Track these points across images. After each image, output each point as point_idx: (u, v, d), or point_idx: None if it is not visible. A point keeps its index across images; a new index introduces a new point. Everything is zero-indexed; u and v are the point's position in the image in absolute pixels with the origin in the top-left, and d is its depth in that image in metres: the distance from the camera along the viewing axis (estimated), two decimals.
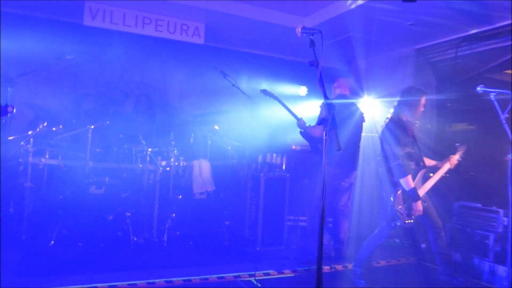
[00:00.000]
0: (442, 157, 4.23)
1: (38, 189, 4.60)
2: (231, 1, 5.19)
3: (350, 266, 4.40)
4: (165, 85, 6.44)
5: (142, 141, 4.89)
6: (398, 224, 3.82)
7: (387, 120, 3.98)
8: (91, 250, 4.33)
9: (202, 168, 5.11)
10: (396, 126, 3.87)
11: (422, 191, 3.93)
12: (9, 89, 4.44)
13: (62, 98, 5.47)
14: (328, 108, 2.33)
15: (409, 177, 3.72)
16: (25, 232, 4.45)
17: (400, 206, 3.80)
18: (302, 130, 4.67)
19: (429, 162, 4.15)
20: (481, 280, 4.35)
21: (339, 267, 4.55)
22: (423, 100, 3.93)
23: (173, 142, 5.04)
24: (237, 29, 5.84)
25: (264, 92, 4.82)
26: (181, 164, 5.12)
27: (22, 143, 4.55)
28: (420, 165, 3.98)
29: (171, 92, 6.46)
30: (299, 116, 4.66)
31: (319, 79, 2.38)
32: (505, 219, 4.29)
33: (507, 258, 3.18)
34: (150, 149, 4.89)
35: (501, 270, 4.19)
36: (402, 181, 3.75)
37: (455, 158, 4.13)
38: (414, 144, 3.94)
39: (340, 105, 4.53)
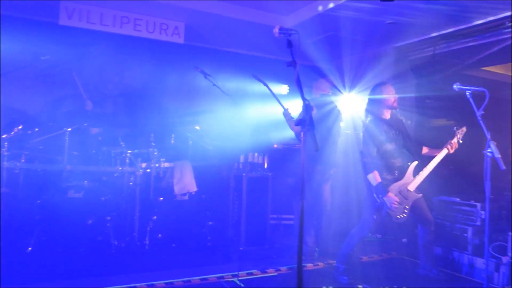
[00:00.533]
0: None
1: (14, 194, 4.47)
2: (211, 0, 5.15)
3: (333, 262, 4.43)
4: (144, 86, 6.34)
5: (121, 143, 4.81)
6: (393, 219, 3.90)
7: (362, 123, 4.06)
8: (71, 256, 4.25)
9: (184, 169, 5.07)
10: (369, 127, 3.95)
11: (413, 184, 3.97)
12: None
13: (38, 100, 5.34)
14: (305, 109, 2.33)
15: (375, 172, 3.81)
16: (1, 239, 4.32)
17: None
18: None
19: (430, 151, 4.16)
20: (461, 273, 4.44)
21: (321, 265, 4.58)
22: (387, 90, 3.95)
23: (153, 144, 4.99)
24: (217, 28, 5.79)
25: (255, 76, 4.81)
26: (162, 166, 5.06)
27: None
28: (411, 158, 4.03)
29: (150, 92, 6.36)
30: (286, 106, 4.69)
31: (297, 80, 2.37)
32: (483, 212, 4.39)
33: (484, 251, 3.25)
34: (129, 151, 4.81)
35: (479, 262, 4.28)
36: (369, 177, 3.86)
37: (454, 142, 4.08)
38: (392, 140, 3.98)
39: (319, 106, 4.58)
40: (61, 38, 5.30)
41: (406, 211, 3.91)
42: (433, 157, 4.07)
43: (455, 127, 4.13)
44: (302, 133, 2.33)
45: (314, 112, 2.30)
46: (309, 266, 4.51)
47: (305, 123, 2.31)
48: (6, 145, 4.38)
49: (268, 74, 6.49)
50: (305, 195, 2.30)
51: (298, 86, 2.37)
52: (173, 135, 5.40)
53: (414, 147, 4.13)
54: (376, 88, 4.01)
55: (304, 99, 2.35)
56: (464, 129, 4.09)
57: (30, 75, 5.36)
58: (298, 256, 2.28)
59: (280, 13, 5.54)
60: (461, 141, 4.09)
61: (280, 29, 2.49)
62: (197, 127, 5.59)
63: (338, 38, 5.81)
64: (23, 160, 4.47)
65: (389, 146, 3.94)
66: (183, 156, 5.40)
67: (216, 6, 5.19)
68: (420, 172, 4.00)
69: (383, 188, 3.82)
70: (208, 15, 5.26)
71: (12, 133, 4.44)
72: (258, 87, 4.92)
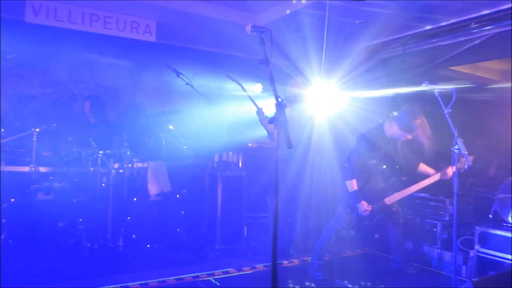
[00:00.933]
0: None
1: None
2: None
3: (308, 259, 4.48)
4: (116, 85, 6.21)
5: (93, 143, 4.70)
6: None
7: (369, 128, 4.15)
8: (41, 260, 4.13)
9: (157, 169, 5.01)
10: (365, 137, 4.06)
11: (391, 199, 4.10)
12: None
13: (4, 100, 5.14)
14: (278, 107, 2.34)
15: (353, 181, 3.96)
16: None
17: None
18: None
19: (425, 170, 4.21)
20: (431, 267, 4.58)
21: (296, 261, 4.63)
22: (416, 122, 3.97)
23: (126, 144, 4.89)
24: (190, 26, 5.74)
25: (228, 76, 4.79)
26: (135, 166, 4.98)
27: None
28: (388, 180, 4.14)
29: (122, 92, 6.24)
30: (259, 106, 4.70)
31: (269, 78, 2.38)
32: (451, 207, 4.54)
33: (453, 244, 3.36)
34: (101, 152, 4.71)
35: (448, 256, 4.43)
36: (347, 183, 3.99)
37: (451, 170, 3.87)
38: (381, 160, 4.07)
39: (293, 104, 4.61)
40: (27, 36, 5.13)
41: (375, 220, 4.11)
42: (425, 176, 4.13)
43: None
44: (275, 131, 2.34)
45: (288, 110, 2.32)
46: (284, 263, 4.55)
47: (278, 121, 2.32)
48: None
49: (242, 72, 6.50)
50: (279, 193, 2.30)
51: (271, 84, 2.38)
52: (146, 135, 5.33)
53: (410, 162, 4.19)
54: (408, 115, 4.00)
55: (277, 96, 2.36)
56: (471, 158, 3.51)
57: None
58: (273, 253, 2.29)
59: (253, 11, 5.55)
60: (460, 170, 3.60)
61: (253, 27, 2.49)
62: (171, 127, 5.53)
63: (311, 37, 5.86)
64: None
65: (373, 161, 4.06)
66: (157, 156, 5.33)
67: (188, 4, 5.14)
68: (402, 190, 4.10)
69: (357, 197, 3.96)
70: (180, 13, 5.20)
71: None
72: (232, 86, 4.91)
